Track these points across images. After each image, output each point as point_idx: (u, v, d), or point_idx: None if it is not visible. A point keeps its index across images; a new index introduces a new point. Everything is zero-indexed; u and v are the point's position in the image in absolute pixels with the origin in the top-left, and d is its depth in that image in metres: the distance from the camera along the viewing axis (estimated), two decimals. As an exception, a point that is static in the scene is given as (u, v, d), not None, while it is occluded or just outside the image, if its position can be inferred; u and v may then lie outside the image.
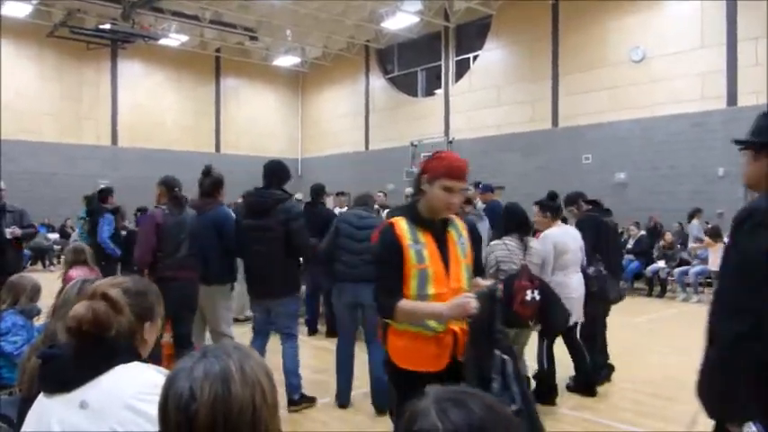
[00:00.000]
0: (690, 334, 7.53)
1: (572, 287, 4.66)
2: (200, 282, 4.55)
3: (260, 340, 4.59)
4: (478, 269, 2.96)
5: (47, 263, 15.43)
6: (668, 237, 11.26)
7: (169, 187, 4.66)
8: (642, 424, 4.37)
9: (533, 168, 16.51)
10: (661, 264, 10.83)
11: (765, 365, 1.74)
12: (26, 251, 15.24)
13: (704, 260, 10.39)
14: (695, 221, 11.37)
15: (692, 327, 8.47)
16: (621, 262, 5.68)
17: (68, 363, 1.58)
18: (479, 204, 7.76)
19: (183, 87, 21.54)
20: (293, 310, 4.60)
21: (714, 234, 10.15)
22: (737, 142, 2.17)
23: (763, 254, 1.81)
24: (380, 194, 10.72)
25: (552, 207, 4.89)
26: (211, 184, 4.71)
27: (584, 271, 4.85)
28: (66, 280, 4.60)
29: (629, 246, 11.49)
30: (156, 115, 20.83)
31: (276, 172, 4.45)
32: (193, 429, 1.04)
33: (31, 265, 15.24)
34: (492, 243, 4.53)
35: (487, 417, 0.88)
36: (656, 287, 10.98)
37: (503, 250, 4.33)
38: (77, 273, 4.56)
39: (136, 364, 1.59)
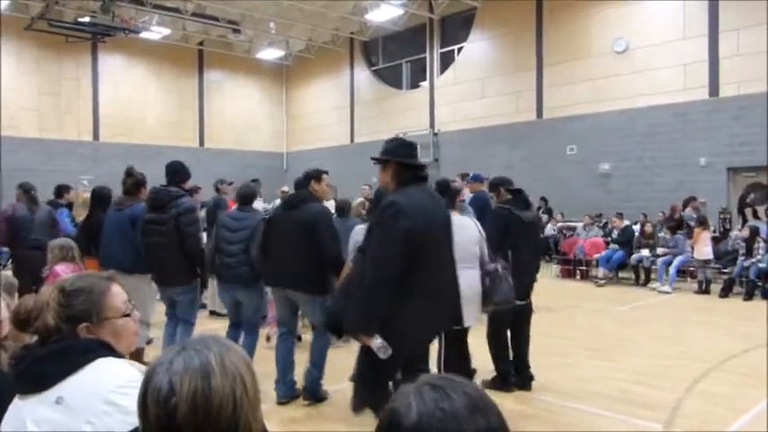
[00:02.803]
0: (672, 322, 7.66)
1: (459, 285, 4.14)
2: (121, 271, 4.93)
3: (171, 326, 5.04)
4: None
5: (29, 260, 15.18)
6: (648, 227, 11.38)
7: (25, 190, 6.76)
8: (625, 411, 4.42)
9: (518, 160, 16.57)
10: (644, 252, 10.93)
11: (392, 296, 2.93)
12: (5, 249, 14.99)
13: (673, 248, 10.51)
14: (689, 210, 11.55)
15: (674, 315, 8.63)
16: (532, 261, 5.00)
17: (41, 362, 1.56)
18: (467, 195, 7.75)
19: (165, 81, 21.28)
20: (189, 299, 5.00)
21: (702, 223, 10.29)
22: (372, 158, 3.32)
23: (400, 232, 2.93)
24: (366, 187, 10.70)
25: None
26: (133, 183, 5.29)
27: (483, 267, 4.30)
28: (50, 276, 4.53)
29: (614, 236, 11.60)
30: (138, 110, 20.57)
31: (176, 171, 5.01)
32: (173, 424, 1.02)
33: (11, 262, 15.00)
34: (356, 227, 4.51)
35: (463, 404, 0.87)
36: (642, 275, 11.08)
37: (362, 235, 4.07)
38: (63, 269, 4.49)
39: (114, 360, 1.58)
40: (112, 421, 1.44)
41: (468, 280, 4.09)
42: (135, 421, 1.17)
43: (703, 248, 10.02)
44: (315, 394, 4.55)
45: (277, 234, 4.51)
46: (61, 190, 8.63)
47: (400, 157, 3.17)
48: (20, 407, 1.54)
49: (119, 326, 1.71)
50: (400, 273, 2.96)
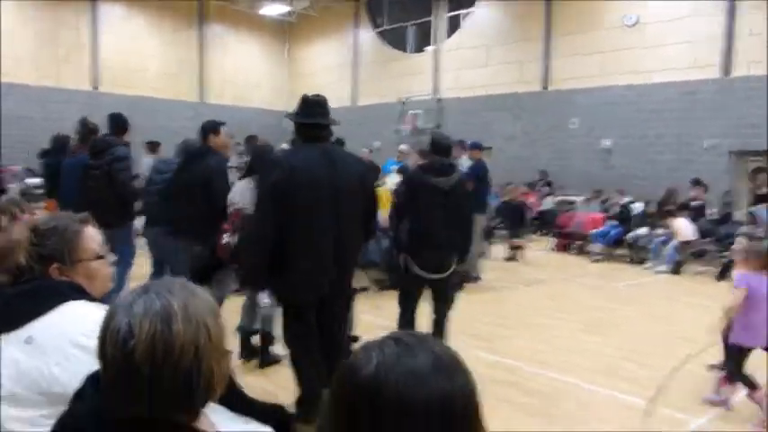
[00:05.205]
0: (665, 302, 7.66)
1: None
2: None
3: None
4: None
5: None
6: (651, 207, 11.32)
7: None
8: (609, 384, 4.43)
9: (520, 130, 16.41)
10: (642, 231, 10.89)
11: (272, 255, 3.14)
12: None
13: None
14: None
15: (668, 295, 8.61)
16: (450, 233, 4.28)
17: (11, 301, 1.56)
18: (466, 161, 7.67)
19: (164, 33, 20.85)
20: (121, 237, 5.28)
21: (676, 208, 10.31)
22: (286, 115, 3.73)
23: (270, 187, 3.10)
24: (365, 150, 10.61)
25: None
26: (87, 132, 5.72)
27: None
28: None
29: (613, 212, 11.56)
30: (137, 61, 20.23)
31: (116, 122, 5.48)
32: (131, 365, 0.99)
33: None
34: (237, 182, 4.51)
35: (427, 362, 0.84)
36: (638, 253, 11.05)
37: (234, 191, 4.19)
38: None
39: (85, 303, 1.57)
40: (81, 365, 1.42)
41: None
42: None
43: (683, 230, 10.08)
44: None
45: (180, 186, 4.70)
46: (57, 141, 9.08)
47: (297, 118, 3.44)
48: None
49: (92, 268, 1.69)
50: (273, 229, 3.10)
